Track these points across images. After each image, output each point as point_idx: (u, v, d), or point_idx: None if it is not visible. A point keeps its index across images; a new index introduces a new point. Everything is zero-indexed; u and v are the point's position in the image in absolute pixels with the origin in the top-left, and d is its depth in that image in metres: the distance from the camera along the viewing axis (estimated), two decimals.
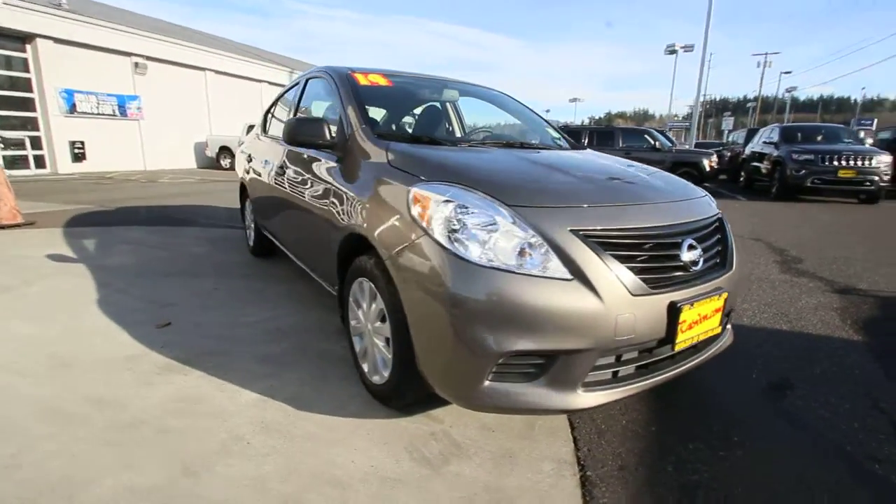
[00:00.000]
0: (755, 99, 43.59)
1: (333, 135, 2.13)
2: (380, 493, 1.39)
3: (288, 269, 3.67)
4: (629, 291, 1.38)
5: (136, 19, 16.97)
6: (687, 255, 1.53)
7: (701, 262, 1.58)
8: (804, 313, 2.96)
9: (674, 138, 16.53)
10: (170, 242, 4.48)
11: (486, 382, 1.37)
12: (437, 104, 2.85)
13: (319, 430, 1.68)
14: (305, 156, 2.44)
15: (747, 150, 12.03)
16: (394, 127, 2.69)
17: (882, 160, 8.39)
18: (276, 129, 3.41)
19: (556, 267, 1.35)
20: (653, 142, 11.01)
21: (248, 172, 3.76)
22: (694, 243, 1.57)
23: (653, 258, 1.48)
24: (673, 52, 24.99)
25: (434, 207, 1.46)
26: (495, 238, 1.38)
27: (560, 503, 1.38)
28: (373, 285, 1.73)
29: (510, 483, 1.46)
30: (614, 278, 1.37)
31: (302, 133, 2.13)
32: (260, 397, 1.88)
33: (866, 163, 8.38)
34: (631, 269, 1.41)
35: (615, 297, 1.35)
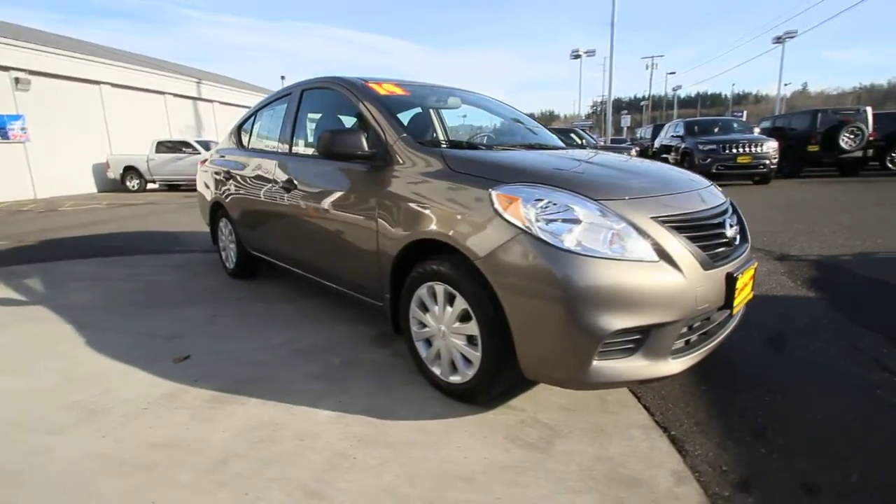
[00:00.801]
0: (647, 98, 48.35)
1: (370, 146, 2.14)
2: (510, 479, 1.46)
3: (283, 287, 3.52)
4: (701, 266, 1.58)
5: (13, 29, 14.87)
6: (730, 232, 1.79)
7: (738, 238, 1.84)
8: (761, 279, 3.45)
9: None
10: (129, 273, 4.07)
11: (594, 362, 1.50)
12: (448, 111, 2.93)
13: (416, 435, 1.70)
14: (333, 168, 2.40)
15: (656, 144, 13.41)
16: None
17: (770, 146, 9.81)
18: (264, 143, 3.28)
19: (646, 251, 1.51)
20: (580, 140, 11.86)
21: (225, 192, 3.55)
22: (732, 222, 1.83)
23: (710, 236, 1.70)
24: (577, 56, 26.95)
25: (528, 207, 1.57)
26: (590, 230, 1.51)
27: (663, 460, 1.55)
28: (449, 287, 1.78)
29: (614, 451, 1.60)
30: (690, 257, 1.56)
31: (340, 145, 2.11)
32: (336, 414, 1.85)
33: (759, 148, 9.75)
34: (699, 247, 1.62)
35: (693, 272, 1.55)
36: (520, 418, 1.80)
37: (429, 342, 2.00)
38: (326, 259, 2.53)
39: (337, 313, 2.95)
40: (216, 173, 3.76)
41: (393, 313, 2.14)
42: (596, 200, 1.58)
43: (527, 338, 1.57)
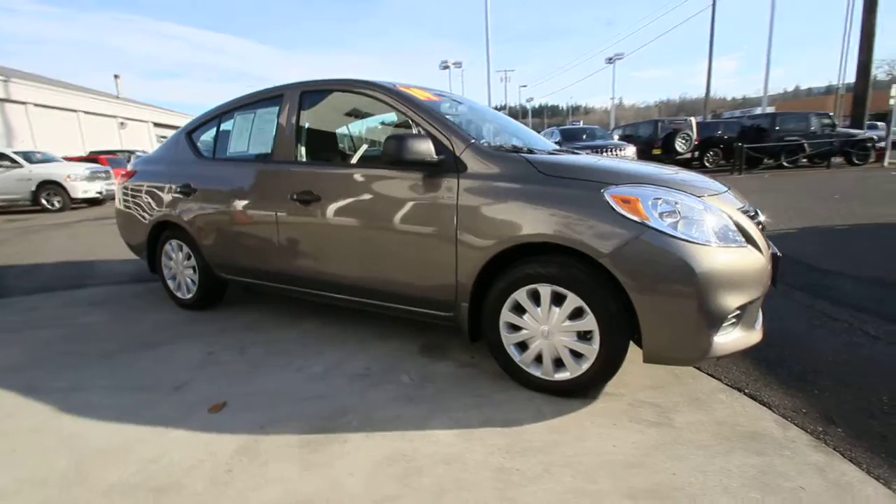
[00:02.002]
0: (504, 107, 53.12)
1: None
2: (668, 455, 1.58)
3: (259, 314, 3.12)
4: (763, 249, 1.90)
5: None
6: (762, 219, 2.16)
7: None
8: None
9: None
10: (37, 318, 3.18)
11: (714, 339, 1.71)
12: (469, 117, 2.89)
13: (554, 436, 1.72)
14: (382, 177, 2.23)
15: None
16: None
17: (630, 150, 11.59)
18: (248, 151, 2.88)
19: (740, 238, 1.77)
20: None
21: (182, 210, 3.00)
22: (757, 211, 2.21)
23: (756, 224, 2.05)
24: (446, 67, 28.25)
25: (648, 205, 1.70)
26: (702, 222, 1.71)
27: (759, 414, 1.81)
28: (558, 287, 1.83)
29: (720, 415, 1.82)
30: (761, 241, 1.87)
31: (411, 152, 2.00)
32: (457, 431, 1.76)
33: (622, 153, 11.44)
34: (759, 233, 1.94)
35: (764, 254, 1.86)
36: (626, 402, 1.93)
37: (521, 346, 2.01)
38: (371, 274, 2.34)
39: (353, 332, 2.73)
40: (158, 188, 3.16)
41: (474, 322, 2.10)
42: (698, 197, 1.79)
43: (657, 325, 1.70)
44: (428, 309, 2.24)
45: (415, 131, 2.31)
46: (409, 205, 2.16)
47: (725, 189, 2.04)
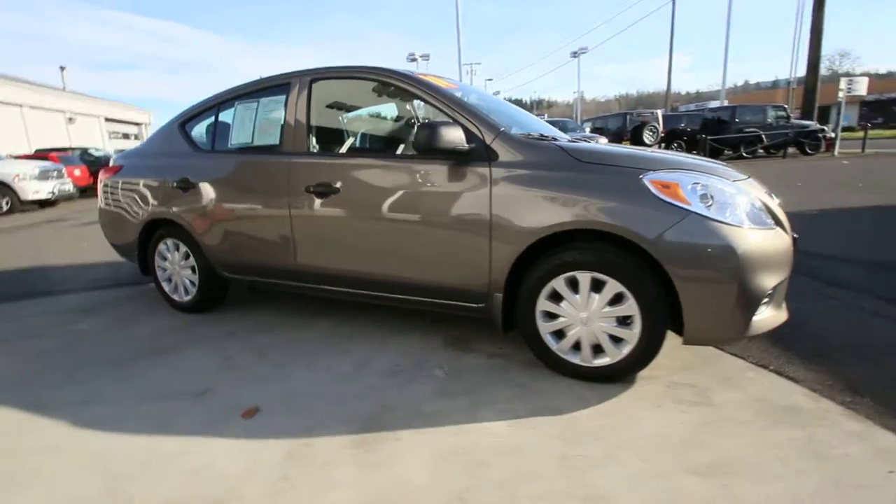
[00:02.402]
0: None
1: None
2: (717, 433, 1.63)
3: (267, 314, 3.01)
4: (788, 231, 1.98)
5: None
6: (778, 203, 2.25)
7: None
8: None
9: None
10: (29, 327, 2.95)
11: (753, 318, 1.77)
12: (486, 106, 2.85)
13: (605, 420, 1.74)
14: (408, 167, 2.18)
15: None
16: None
17: (602, 140, 11.87)
18: (253, 142, 2.74)
19: (770, 220, 1.84)
20: None
21: (178, 206, 2.84)
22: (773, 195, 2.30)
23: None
24: (413, 59, 28.01)
25: (689, 190, 1.74)
26: (739, 206, 1.77)
27: (789, 389, 1.89)
28: (597, 274, 1.85)
29: (754, 391, 1.90)
30: (784, 223, 1.95)
31: (444, 141, 1.96)
32: (509, 422, 1.75)
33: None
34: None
35: (788, 235, 1.94)
36: (663, 385, 1.97)
37: (557, 334, 2.02)
38: (397, 268, 2.29)
39: (370, 329, 2.68)
40: (150, 184, 2.98)
41: (509, 312, 2.09)
42: (732, 181, 1.84)
43: (699, 307, 1.75)
44: (458, 301, 2.22)
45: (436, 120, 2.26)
46: (439, 195, 2.12)
47: (747, 176, 2.11)
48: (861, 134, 14.32)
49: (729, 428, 1.67)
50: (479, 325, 2.63)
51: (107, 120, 27.10)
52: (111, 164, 3.35)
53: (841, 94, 13.66)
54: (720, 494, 1.36)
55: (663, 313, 1.81)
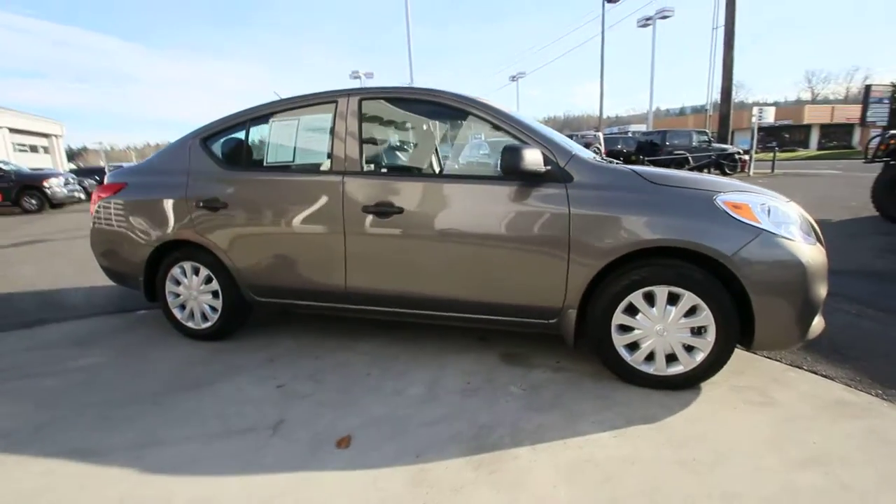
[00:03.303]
0: None
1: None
2: (799, 427, 1.81)
3: (298, 339, 2.87)
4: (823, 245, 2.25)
5: None
6: None
7: None
8: None
9: None
10: (29, 362, 2.57)
11: (813, 323, 1.99)
12: None
13: (697, 426, 1.86)
14: (481, 188, 2.22)
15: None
16: None
17: None
18: (296, 161, 2.64)
19: (813, 235, 2.08)
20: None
21: (208, 227, 2.64)
22: None
23: None
24: (357, 77, 27.90)
25: (758, 210, 1.94)
26: (795, 224, 2.00)
27: (826, 386, 2.13)
28: (673, 288, 1.99)
29: (804, 389, 2.11)
30: (821, 238, 2.21)
31: (528, 163, 2.03)
32: (612, 433, 1.82)
33: None
34: None
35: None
36: (726, 389, 2.14)
37: (630, 346, 2.13)
38: (467, 288, 2.29)
39: (416, 350, 2.64)
40: (166, 204, 2.75)
41: (584, 329, 2.17)
42: (786, 202, 2.08)
43: (770, 316, 1.93)
44: (529, 318, 2.27)
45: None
46: (515, 216, 2.18)
47: (788, 200, 2.37)
48: (763, 156, 16.40)
49: (803, 423, 1.85)
50: (528, 339, 2.69)
51: (12, 131, 24.14)
52: (108, 181, 3.05)
53: (753, 120, 15.53)
54: (832, 483, 1.51)
55: (735, 322, 1.98)
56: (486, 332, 2.80)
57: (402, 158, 2.90)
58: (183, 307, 2.88)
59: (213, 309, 2.81)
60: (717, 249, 1.92)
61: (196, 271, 2.79)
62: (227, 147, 2.78)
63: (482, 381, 2.27)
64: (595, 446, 1.74)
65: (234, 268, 2.66)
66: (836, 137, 39.04)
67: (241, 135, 2.76)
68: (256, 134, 2.75)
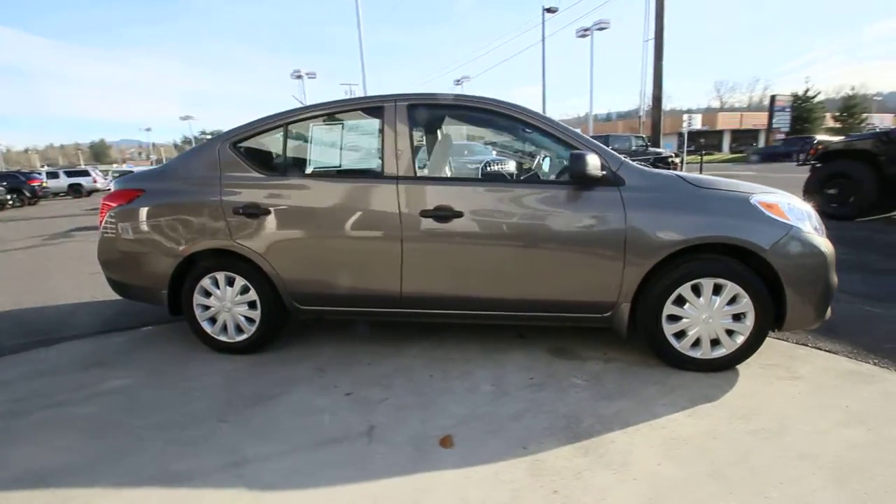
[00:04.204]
0: None
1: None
2: (831, 395, 2.10)
3: (343, 343, 2.85)
4: None
5: None
6: None
7: None
8: None
9: None
10: (48, 389, 2.34)
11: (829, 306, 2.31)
12: None
13: (749, 400, 2.10)
14: (539, 192, 2.35)
15: None
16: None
17: (511, 164, 12.94)
18: (344, 167, 2.60)
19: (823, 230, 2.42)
20: None
21: (250, 235, 2.55)
22: None
23: None
24: (299, 76, 27.09)
25: (786, 209, 2.23)
26: (813, 218, 2.31)
27: (850, 366, 2.48)
28: (719, 279, 2.23)
29: (817, 363, 2.43)
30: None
31: (593, 167, 2.18)
32: (683, 413, 2.01)
33: (503, 167, 12.72)
34: None
35: None
36: (758, 367, 2.41)
37: (678, 334, 2.35)
38: (526, 288, 2.40)
39: (465, 349, 2.72)
40: (196, 211, 2.61)
41: (638, 319, 2.36)
42: (801, 201, 2.39)
43: (799, 301, 2.22)
44: (583, 313, 2.42)
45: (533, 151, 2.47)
46: (574, 217, 2.32)
47: None
48: (691, 158, 18.03)
49: (831, 391, 2.16)
50: (568, 334, 2.84)
51: None
52: (119, 188, 2.83)
53: (684, 126, 17.00)
54: (879, 437, 1.79)
55: (771, 308, 2.25)
56: (524, 329, 2.93)
57: (455, 163, 2.96)
58: (213, 320, 2.74)
59: (250, 320, 2.70)
60: (757, 244, 2.18)
61: (230, 282, 2.67)
62: (264, 152, 2.69)
63: (544, 375, 2.40)
64: (676, 426, 1.92)
65: (278, 277, 2.59)
66: (745, 142, 43.46)
67: (278, 139, 2.69)
68: (296, 138, 2.69)
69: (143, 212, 2.71)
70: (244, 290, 2.67)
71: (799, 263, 2.21)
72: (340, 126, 2.61)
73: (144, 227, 2.71)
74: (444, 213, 2.39)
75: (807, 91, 35.10)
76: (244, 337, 2.73)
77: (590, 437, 1.86)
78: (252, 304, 2.68)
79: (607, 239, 2.30)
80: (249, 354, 2.75)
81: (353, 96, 2.81)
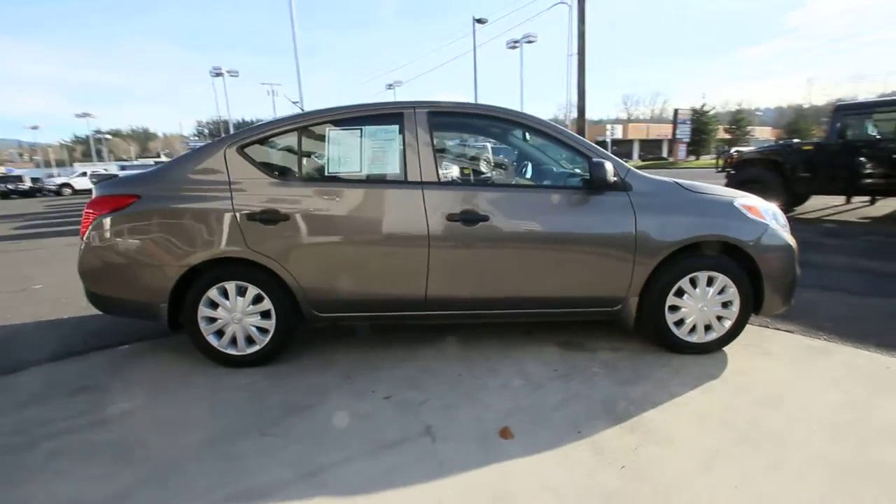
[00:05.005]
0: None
1: None
2: (818, 364, 2.49)
3: (356, 348, 2.82)
4: None
5: None
6: None
7: None
8: None
9: None
10: (47, 417, 2.05)
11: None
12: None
13: (745, 377, 2.42)
14: (558, 197, 2.53)
15: None
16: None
17: (454, 169, 13.25)
18: (364, 172, 2.59)
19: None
20: None
21: (265, 242, 2.45)
22: None
23: None
24: (218, 74, 25.54)
25: (764, 211, 2.60)
26: (780, 217, 2.71)
27: (793, 337, 2.93)
28: (712, 272, 2.55)
29: (782, 342, 2.85)
30: None
31: (611, 174, 2.40)
32: (697, 391, 2.27)
33: (447, 171, 13.00)
34: None
35: None
36: (739, 347, 2.76)
37: (677, 323, 2.64)
38: (546, 286, 2.56)
39: (479, 347, 2.83)
40: (201, 218, 2.47)
41: (651, 311, 2.60)
42: (767, 202, 2.79)
43: (773, 289, 2.60)
44: (596, 307, 2.64)
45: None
46: (590, 219, 2.53)
47: None
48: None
49: (804, 363, 2.55)
50: (572, 328, 3.05)
51: None
52: (105, 193, 2.57)
53: (608, 135, 18.47)
54: (855, 398, 2.16)
55: (751, 296, 2.61)
56: (530, 326, 3.10)
57: (477, 168, 3.05)
58: (219, 333, 2.59)
59: (262, 331, 2.59)
60: (744, 240, 2.53)
61: (241, 291, 2.55)
62: (277, 156, 2.61)
63: (565, 367, 2.57)
64: (696, 402, 2.18)
65: (297, 284, 2.52)
66: (651, 150, 47.90)
67: (291, 144, 2.62)
68: (310, 143, 2.63)
69: (140, 219, 2.50)
70: (257, 300, 2.56)
71: (774, 256, 2.59)
72: (359, 131, 2.60)
73: (141, 236, 2.50)
74: (470, 217, 2.49)
75: (703, 106, 39.71)
76: (256, 348, 2.61)
77: (629, 417, 2.06)
78: (265, 314, 2.58)
79: (621, 239, 2.53)
80: (259, 367, 2.63)
81: (368, 102, 2.77)
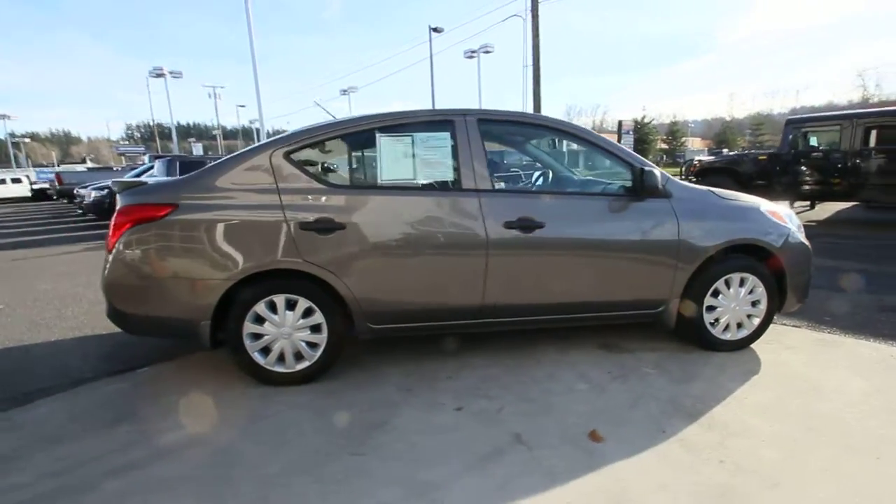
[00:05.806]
0: (217, 128, 48.19)
1: None
2: (838, 353, 2.72)
3: (398, 368, 2.75)
4: None
5: None
6: None
7: None
8: None
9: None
10: (98, 450, 1.80)
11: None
12: None
13: (781, 368, 2.61)
14: (609, 204, 2.63)
15: None
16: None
17: None
18: (417, 180, 2.54)
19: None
20: None
21: (324, 252, 2.35)
22: None
23: None
24: (160, 75, 23.98)
25: (787, 216, 2.83)
26: (797, 222, 2.95)
27: (802, 331, 3.20)
28: (744, 274, 2.74)
29: (795, 335, 3.10)
30: None
31: (659, 182, 2.52)
32: (745, 386, 2.42)
33: None
34: None
35: None
36: (763, 343, 2.97)
37: (713, 322, 2.80)
38: (597, 291, 2.64)
39: (527, 353, 2.86)
40: (252, 228, 2.33)
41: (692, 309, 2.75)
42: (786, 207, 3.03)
43: (795, 287, 2.83)
44: (639, 310, 2.75)
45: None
46: (638, 225, 2.63)
47: None
48: None
49: (822, 354, 2.79)
50: (608, 331, 3.14)
51: None
52: (140, 202, 2.35)
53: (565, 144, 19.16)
54: (873, 384, 2.39)
55: (776, 295, 2.83)
56: (568, 331, 3.16)
57: (529, 176, 3.06)
58: (266, 350, 2.44)
59: (312, 346, 2.47)
60: (772, 244, 2.75)
61: (291, 304, 2.42)
62: (326, 162, 2.50)
63: (617, 369, 2.65)
64: (753, 397, 2.32)
65: (352, 296, 2.42)
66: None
67: (339, 149, 2.53)
68: (360, 150, 2.55)
69: (180, 229, 2.31)
70: (307, 314, 2.44)
71: (795, 258, 2.82)
72: (409, 138, 2.56)
73: (181, 249, 2.32)
74: (527, 224, 2.52)
75: (643, 117, 42.35)
76: (305, 365, 2.48)
77: (700, 414, 2.16)
78: (315, 328, 2.46)
79: (666, 243, 2.65)
80: (304, 384, 2.50)
81: (416, 109, 2.71)
